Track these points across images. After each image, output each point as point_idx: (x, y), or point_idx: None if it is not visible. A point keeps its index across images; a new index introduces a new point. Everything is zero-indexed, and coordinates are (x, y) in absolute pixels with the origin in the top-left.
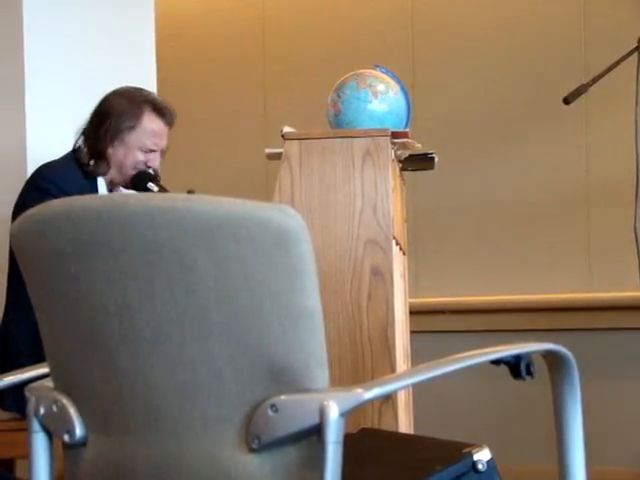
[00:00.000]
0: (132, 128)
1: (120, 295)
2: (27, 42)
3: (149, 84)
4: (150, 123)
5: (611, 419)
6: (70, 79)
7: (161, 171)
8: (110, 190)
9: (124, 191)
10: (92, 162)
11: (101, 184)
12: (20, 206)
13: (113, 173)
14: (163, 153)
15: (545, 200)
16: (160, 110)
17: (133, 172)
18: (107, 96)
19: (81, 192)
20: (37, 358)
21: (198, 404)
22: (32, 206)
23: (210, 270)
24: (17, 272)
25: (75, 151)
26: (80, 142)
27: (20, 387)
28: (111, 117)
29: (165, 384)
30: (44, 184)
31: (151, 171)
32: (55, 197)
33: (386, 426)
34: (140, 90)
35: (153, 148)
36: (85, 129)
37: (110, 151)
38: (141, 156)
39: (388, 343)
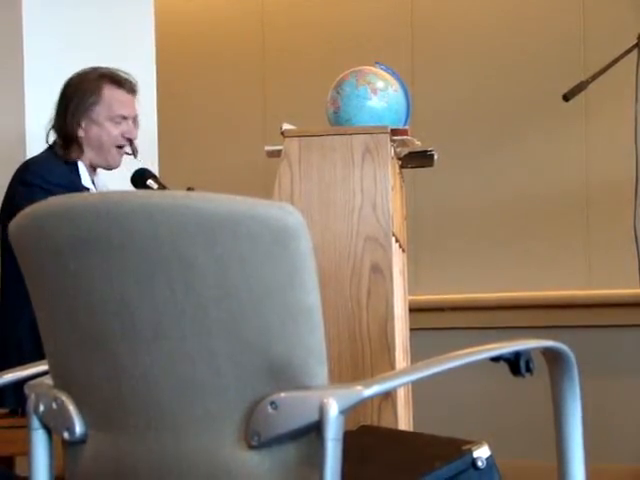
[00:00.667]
0: (95, 103)
1: (119, 292)
2: (26, 40)
3: (149, 81)
4: (111, 94)
5: (610, 416)
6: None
7: (158, 165)
8: (92, 177)
9: (101, 176)
10: (64, 149)
11: (82, 169)
12: (9, 203)
13: (91, 155)
14: (135, 123)
15: (544, 197)
16: (118, 80)
17: (115, 150)
18: (64, 84)
19: (67, 183)
20: (39, 354)
21: (198, 401)
22: (22, 202)
23: (210, 267)
24: (13, 268)
25: (52, 147)
26: (55, 137)
27: (21, 384)
28: (72, 100)
29: (165, 381)
30: (32, 179)
31: (129, 150)
32: (44, 190)
33: (385, 423)
34: (95, 68)
35: (123, 114)
36: (54, 122)
37: (81, 133)
38: (114, 129)
39: (387, 340)
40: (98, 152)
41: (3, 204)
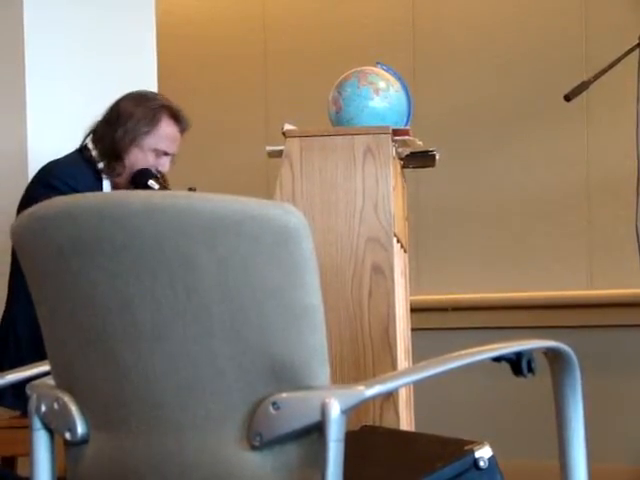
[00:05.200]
0: (149, 132)
1: (121, 293)
2: (28, 42)
3: (150, 82)
4: (166, 128)
5: (612, 416)
6: (71, 78)
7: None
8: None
9: None
10: (103, 164)
11: (106, 185)
12: (27, 202)
13: (123, 175)
14: (173, 159)
15: (546, 197)
16: (177, 116)
17: None
18: (122, 100)
19: (90, 191)
20: (39, 355)
21: (200, 401)
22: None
23: (211, 268)
24: (19, 269)
25: (81, 150)
26: (88, 142)
27: (22, 385)
28: (129, 121)
29: (167, 381)
30: (55, 182)
31: (155, 173)
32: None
33: (387, 423)
34: (155, 94)
35: (166, 151)
36: (97, 129)
37: (126, 155)
38: (152, 159)
39: (389, 340)
40: (129, 173)
41: (21, 203)
